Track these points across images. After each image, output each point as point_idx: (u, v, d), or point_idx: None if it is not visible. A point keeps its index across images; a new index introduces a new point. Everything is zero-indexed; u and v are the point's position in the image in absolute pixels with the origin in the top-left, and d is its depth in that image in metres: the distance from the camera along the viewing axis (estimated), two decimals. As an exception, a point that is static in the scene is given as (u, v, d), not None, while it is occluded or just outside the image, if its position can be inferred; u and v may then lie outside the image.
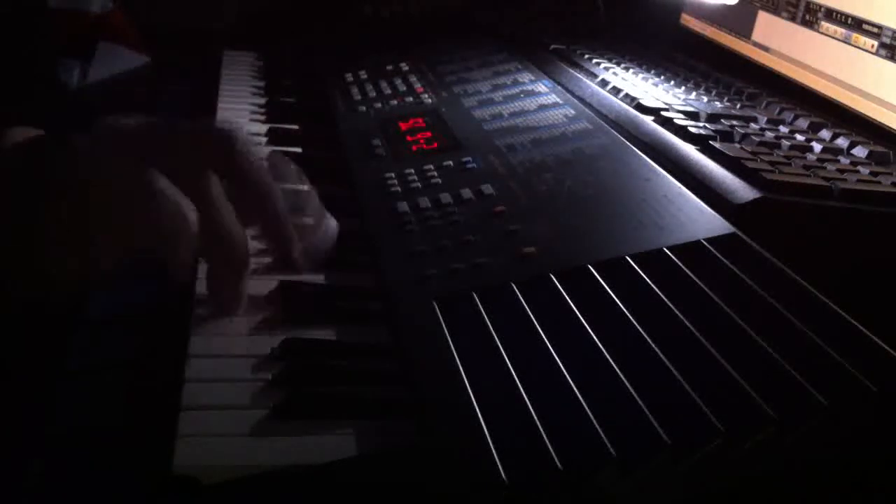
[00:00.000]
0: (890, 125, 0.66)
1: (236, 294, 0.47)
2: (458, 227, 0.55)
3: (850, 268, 0.50)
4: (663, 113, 0.68)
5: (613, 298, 0.45)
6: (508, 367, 0.41)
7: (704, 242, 0.49)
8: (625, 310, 0.44)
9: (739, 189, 0.54)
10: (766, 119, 0.71)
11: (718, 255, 0.48)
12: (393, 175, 0.63)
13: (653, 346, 0.41)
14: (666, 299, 0.45)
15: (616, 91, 0.74)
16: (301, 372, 0.43)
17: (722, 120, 0.69)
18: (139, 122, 0.42)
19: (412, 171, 0.64)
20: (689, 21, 0.97)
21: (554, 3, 1.08)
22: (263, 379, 0.43)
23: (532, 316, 0.45)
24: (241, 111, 0.80)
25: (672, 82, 0.81)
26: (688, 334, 0.42)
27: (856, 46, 0.69)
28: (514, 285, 0.47)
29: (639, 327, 0.43)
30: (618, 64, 0.85)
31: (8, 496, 0.41)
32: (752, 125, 0.69)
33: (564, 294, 0.46)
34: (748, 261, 0.47)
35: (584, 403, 0.38)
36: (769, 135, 0.66)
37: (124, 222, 0.39)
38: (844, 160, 0.62)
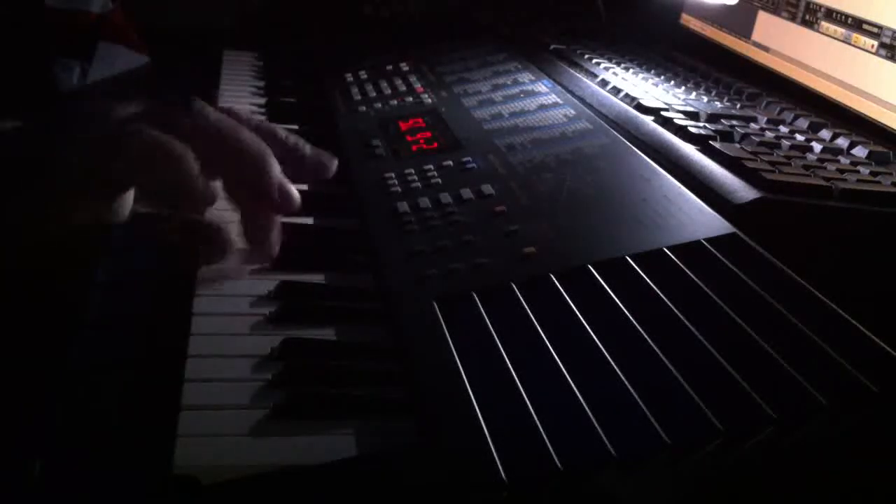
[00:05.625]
0: (890, 125, 0.66)
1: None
2: (458, 227, 0.55)
3: (851, 268, 0.50)
4: (663, 113, 0.67)
5: (613, 298, 0.45)
6: (508, 367, 0.41)
7: (704, 242, 0.49)
8: (625, 310, 0.44)
9: (739, 189, 0.54)
10: (766, 119, 0.71)
11: (718, 255, 0.48)
12: (393, 175, 0.63)
13: (653, 345, 0.41)
14: (666, 299, 0.45)
15: (616, 91, 0.74)
16: (301, 372, 0.43)
17: (722, 120, 0.69)
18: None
19: (412, 171, 0.64)
20: (689, 21, 0.97)
21: (554, 3, 1.08)
22: (263, 379, 0.43)
23: (532, 316, 0.45)
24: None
25: (672, 82, 0.81)
26: (688, 334, 0.42)
27: (856, 46, 0.69)
28: (514, 285, 0.47)
29: (639, 327, 0.43)
30: (618, 64, 0.85)
31: (8, 496, 0.41)
32: (752, 125, 0.69)
33: (564, 294, 0.46)
34: (748, 261, 0.47)
35: (584, 403, 0.38)
36: (769, 135, 0.66)
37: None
38: (844, 160, 0.62)
